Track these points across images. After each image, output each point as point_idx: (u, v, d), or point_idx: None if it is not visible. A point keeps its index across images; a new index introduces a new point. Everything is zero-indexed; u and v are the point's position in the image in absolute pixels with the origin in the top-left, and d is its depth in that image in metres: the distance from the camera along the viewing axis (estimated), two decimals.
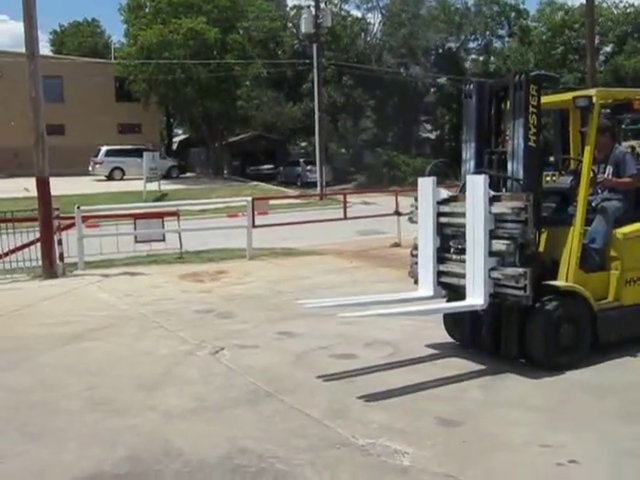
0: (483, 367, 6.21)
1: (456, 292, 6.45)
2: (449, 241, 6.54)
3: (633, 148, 18.14)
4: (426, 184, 6.58)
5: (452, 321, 6.92)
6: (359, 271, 11.52)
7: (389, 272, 10.87)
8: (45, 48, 61.20)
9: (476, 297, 6.07)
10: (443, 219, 6.51)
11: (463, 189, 6.42)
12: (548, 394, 5.58)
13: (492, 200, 6.01)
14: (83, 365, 6.69)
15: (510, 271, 5.90)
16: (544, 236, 6.49)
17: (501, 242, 5.95)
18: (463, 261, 6.24)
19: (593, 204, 6.78)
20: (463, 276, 6.23)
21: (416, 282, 6.79)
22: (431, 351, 6.77)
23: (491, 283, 6.03)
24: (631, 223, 6.72)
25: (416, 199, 6.75)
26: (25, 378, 6.34)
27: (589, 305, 6.29)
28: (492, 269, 6.01)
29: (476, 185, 6.06)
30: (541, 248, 6.40)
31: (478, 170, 6.43)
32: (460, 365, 6.31)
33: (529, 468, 4.28)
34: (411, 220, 7.02)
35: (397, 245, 13.87)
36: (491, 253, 6.00)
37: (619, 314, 6.50)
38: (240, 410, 5.37)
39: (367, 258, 12.88)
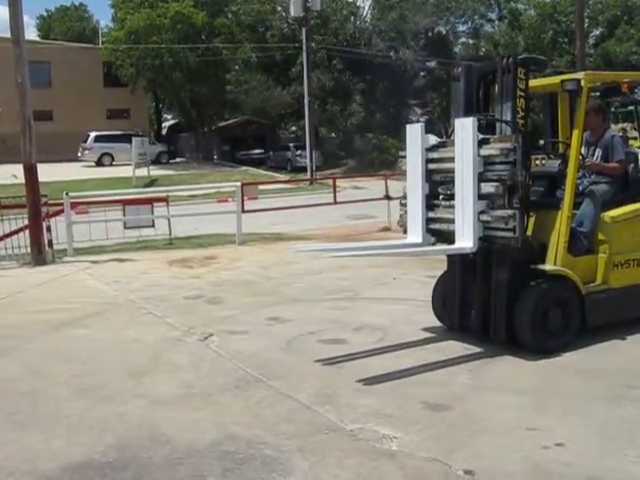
0: (472, 351, 6.23)
1: (445, 238, 6.40)
2: (438, 187, 6.48)
3: (625, 130, 18.17)
4: (414, 130, 6.53)
5: (441, 305, 6.93)
6: None
7: (378, 257, 10.85)
8: (32, 33, 60.84)
9: (465, 240, 6.03)
10: (432, 165, 6.46)
11: (452, 135, 6.37)
12: (536, 378, 5.60)
13: (481, 143, 5.98)
14: (72, 352, 6.67)
15: (499, 213, 5.86)
16: (532, 220, 6.49)
17: (490, 184, 5.91)
18: (452, 207, 6.18)
19: (581, 188, 6.79)
20: (452, 222, 6.18)
21: (405, 232, 6.73)
22: (420, 336, 6.78)
23: (480, 226, 6.00)
24: (619, 206, 6.73)
25: (405, 149, 6.70)
26: (13, 366, 6.32)
27: (577, 288, 6.31)
28: (481, 212, 5.97)
29: (465, 128, 6.01)
30: (529, 232, 6.41)
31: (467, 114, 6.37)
32: (449, 349, 6.32)
33: (516, 451, 4.29)
34: (400, 168, 6.97)
35: (387, 229, 13.87)
36: (480, 196, 5.96)
37: (607, 297, 6.52)
38: (229, 396, 5.37)
39: (357, 242, 12.84)
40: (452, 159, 6.15)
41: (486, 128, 6.34)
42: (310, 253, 7.17)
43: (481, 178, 5.97)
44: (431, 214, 6.47)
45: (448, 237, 6.32)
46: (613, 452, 4.26)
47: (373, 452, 4.35)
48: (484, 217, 5.97)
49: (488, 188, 5.93)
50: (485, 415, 4.87)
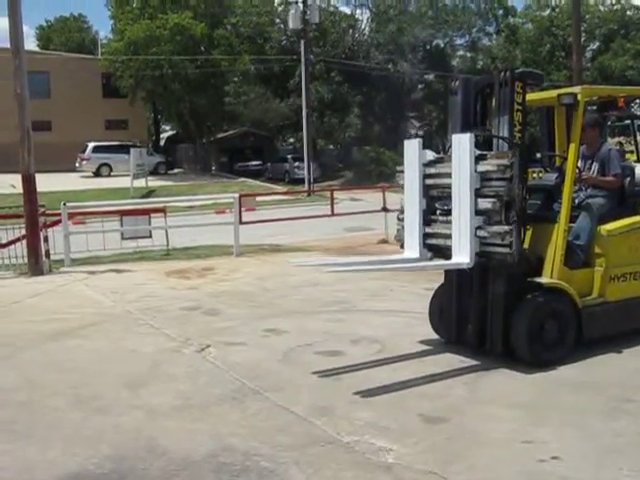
0: (468, 364, 6.23)
1: (443, 254, 6.42)
2: (435, 203, 6.51)
3: (621, 144, 18.22)
4: (412, 146, 6.56)
5: (438, 318, 6.94)
6: None
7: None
8: (32, 43, 60.89)
9: (462, 256, 6.04)
10: (429, 181, 6.48)
11: (449, 150, 6.40)
12: (532, 391, 5.60)
13: (478, 159, 6.00)
14: (69, 363, 6.66)
15: (496, 229, 5.88)
16: (529, 233, 6.52)
17: (487, 200, 5.93)
18: (449, 222, 6.20)
19: (577, 201, 6.81)
20: (449, 237, 6.19)
21: (402, 246, 6.75)
22: (417, 348, 6.78)
23: (477, 242, 6.01)
24: (615, 220, 6.76)
25: (402, 163, 6.73)
26: (9, 375, 6.31)
27: (573, 301, 6.32)
28: (478, 228, 5.99)
29: (462, 144, 6.04)
30: (526, 245, 6.43)
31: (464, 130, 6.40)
32: (446, 362, 6.33)
33: (511, 464, 4.30)
34: (398, 183, 6.99)
35: (385, 242, 13.88)
36: (477, 212, 5.98)
37: (603, 310, 6.53)
38: (225, 408, 5.37)
39: (354, 255, 12.86)
40: (449, 175, 6.17)
41: (483, 144, 6.38)
42: (309, 266, 7.12)
43: (478, 194, 5.99)
44: (428, 229, 6.50)
45: (445, 252, 6.34)
46: (608, 465, 4.26)
47: (369, 465, 4.35)
48: (481, 233, 5.99)
49: (485, 204, 5.95)
50: (481, 428, 4.88)
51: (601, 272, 6.62)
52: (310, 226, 16.41)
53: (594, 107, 8.76)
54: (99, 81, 45.46)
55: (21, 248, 11.85)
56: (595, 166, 7.00)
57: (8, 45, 11.90)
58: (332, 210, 16.97)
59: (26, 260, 11.70)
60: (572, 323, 6.29)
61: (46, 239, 12.04)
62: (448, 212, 6.26)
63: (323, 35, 42.13)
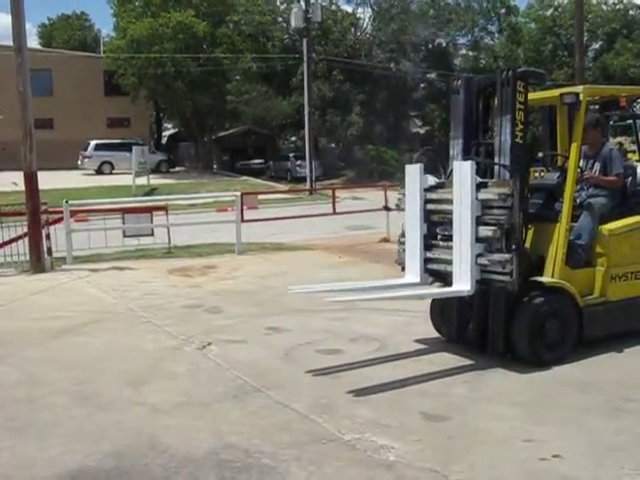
0: (469, 362, 6.24)
1: (443, 279, 6.45)
2: (436, 228, 6.54)
3: (621, 144, 18.22)
4: (413, 171, 6.59)
5: (439, 317, 6.95)
6: (348, 266, 11.53)
7: (378, 267, 10.87)
8: (34, 41, 60.80)
9: (463, 283, 6.08)
10: (430, 206, 6.51)
11: (450, 176, 6.43)
12: (533, 389, 5.61)
13: (479, 186, 6.02)
14: (70, 360, 6.68)
15: (497, 257, 5.91)
16: (531, 232, 6.53)
17: (488, 228, 5.96)
18: (450, 248, 6.23)
19: (579, 200, 6.82)
20: (450, 263, 6.23)
21: (403, 269, 6.78)
22: (418, 346, 6.79)
23: (478, 269, 6.04)
24: (617, 219, 6.76)
25: (404, 186, 6.76)
26: (11, 373, 6.32)
27: (575, 301, 6.33)
28: (479, 255, 6.02)
29: (463, 171, 6.06)
30: (527, 244, 6.44)
31: (466, 157, 6.43)
32: (446, 360, 6.34)
33: (512, 463, 4.31)
34: (399, 207, 7.02)
35: (386, 240, 13.87)
36: (478, 239, 6.01)
37: (605, 310, 6.53)
38: (227, 405, 5.38)
39: (356, 253, 12.89)
40: (450, 201, 6.20)
41: (485, 153, 6.39)
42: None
43: (479, 221, 6.03)
44: (429, 254, 6.53)
45: (446, 278, 6.37)
46: (609, 464, 4.27)
47: (370, 462, 4.36)
48: (481, 260, 6.03)
49: (486, 232, 5.98)
50: (482, 426, 4.88)
51: (602, 272, 6.62)
52: (312, 225, 16.41)
53: (596, 107, 8.77)
54: (101, 79, 45.47)
55: (23, 245, 11.86)
56: (597, 166, 7.00)
57: (11, 43, 11.91)
58: (334, 209, 16.99)
59: (28, 257, 11.71)
60: (573, 322, 6.29)
61: (48, 236, 12.06)
62: (449, 238, 6.30)
63: (325, 34, 42.09)
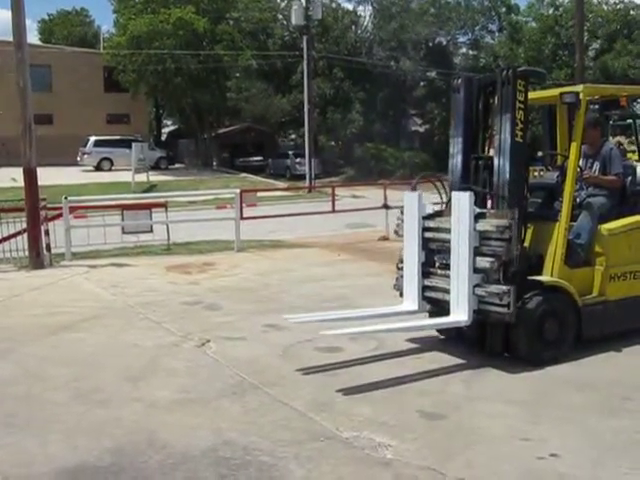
0: (467, 361, 6.25)
1: (441, 307, 6.50)
2: (434, 256, 6.60)
3: (620, 144, 18.24)
4: (412, 199, 6.63)
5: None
6: (346, 264, 11.54)
7: (376, 265, 10.89)
8: (34, 37, 60.73)
9: (460, 313, 6.13)
10: (428, 234, 6.57)
11: (449, 204, 6.46)
12: (531, 388, 5.62)
13: (477, 217, 6.06)
14: (69, 356, 6.68)
15: (494, 288, 5.95)
16: (530, 231, 6.54)
17: (485, 259, 5.99)
18: (448, 276, 6.29)
19: (578, 200, 6.82)
20: (447, 291, 6.29)
21: (401, 295, 6.86)
22: (416, 345, 6.80)
23: (475, 299, 6.09)
24: (616, 219, 6.77)
25: (402, 212, 6.80)
26: (10, 369, 6.32)
27: (573, 300, 6.33)
28: (476, 286, 6.06)
29: (461, 202, 6.10)
30: (527, 243, 6.45)
31: (464, 186, 6.44)
32: (444, 359, 6.34)
33: (510, 461, 4.31)
34: (397, 233, 7.07)
35: (385, 239, 13.88)
36: (475, 270, 6.05)
37: (603, 309, 6.54)
38: (225, 402, 5.39)
39: (355, 251, 12.90)
40: (448, 230, 6.24)
41: (483, 170, 6.41)
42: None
43: (477, 252, 6.05)
44: (427, 282, 6.58)
45: (443, 306, 6.40)
46: (607, 463, 4.28)
47: (368, 460, 4.37)
48: (479, 291, 6.06)
49: (483, 263, 6.01)
50: (480, 425, 4.89)
51: (601, 271, 6.63)
52: (311, 222, 16.41)
53: (596, 106, 8.76)
54: (101, 75, 45.40)
55: (22, 241, 11.85)
56: (596, 165, 7.01)
57: (11, 38, 11.90)
58: (333, 207, 16.97)
59: (27, 253, 11.70)
60: (572, 322, 6.30)
61: (47, 233, 12.05)
62: (447, 266, 6.33)
63: (325, 31, 42.10)
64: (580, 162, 6.82)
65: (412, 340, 6.90)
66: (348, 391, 5.53)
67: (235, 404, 5.35)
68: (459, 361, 6.28)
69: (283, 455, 4.43)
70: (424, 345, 6.77)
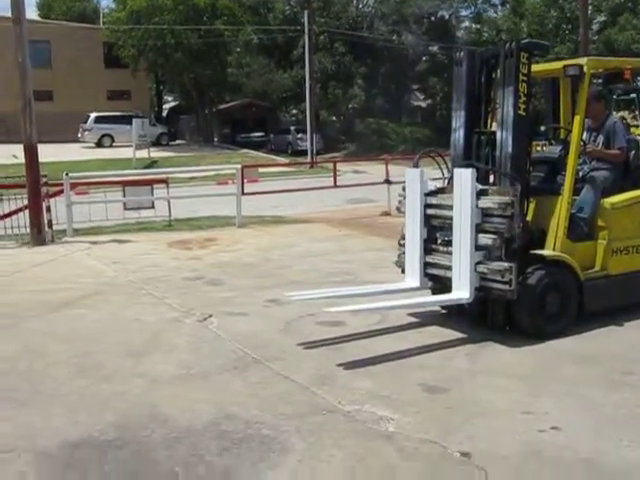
0: (469, 335, 6.25)
1: (442, 284, 6.49)
2: (436, 232, 6.57)
3: (624, 119, 18.14)
4: (414, 175, 6.59)
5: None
6: (348, 239, 11.54)
7: (378, 241, 10.89)
8: (32, 12, 60.17)
9: (462, 290, 6.13)
10: (430, 211, 6.53)
11: (451, 181, 6.42)
12: (533, 362, 5.63)
13: (479, 194, 6.03)
14: (71, 332, 6.69)
15: (496, 265, 5.94)
16: (532, 205, 6.51)
17: (487, 236, 5.98)
18: (450, 253, 6.27)
19: (581, 174, 6.79)
20: (449, 268, 6.28)
21: (403, 272, 6.84)
22: (418, 319, 6.80)
23: (477, 277, 6.08)
24: (619, 193, 6.74)
25: (404, 189, 6.76)
26: (12, 345, 6.34)
27: (576, 274, 6.32)
28: (478, 263, 6.05)
29: (463, 179, 6.07)
30: (529, 217, 6.43)
31: (466, 162, 6.40)
32: (446, 333, 6.35)
33: (511, 434, 4.32)
34: (399, 210, 7.03)
35: (387, 214, 13.86)
36: (477, 247, 6.04)
37: (605, 283, 6.54)
38: (227, 377, 5.40)
39: (356, 226, 12.89)
40: (450, 207, 6.21)
41: (486, 144, 6.38)
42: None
43: (479, 229, 6.03)
44: (429, 258, 6.56)
45: (445, 283, 6.39)
46: (608, 436, 4.29)
47: (370, 433, 4.38)
48: (481, 268, 6.04)
49: (485, 240, 5.98)
50: (481, 398, 4.90)
51: (604, 245, 6.62)
52: (313, 198, 16.39)
53: (600, 80, 8.68)
54: (101, 51, 45.17)
55: (24, 218, 11.85)
56: (600, 139, 6.97)
57: (9, 14, 11.80)
58: (335, 182, 16.95)
59: (28, 230, 11.70)
60: (574, 296, 6.29)
61: (48, 209, 12.04)
62: (449, 243, 6.31)
63: (327, 5, 41.78)
64: (583, 136, 6.78)
65: (414, 315, 6.90)
66: (350, 365, 5.54)
67: (237, 378, 5.36)
68: (461, 335, 6.28)
69: (285, 429, 4.44)
70: (426, 319, 6.78)
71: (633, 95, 20.64)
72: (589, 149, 6.84)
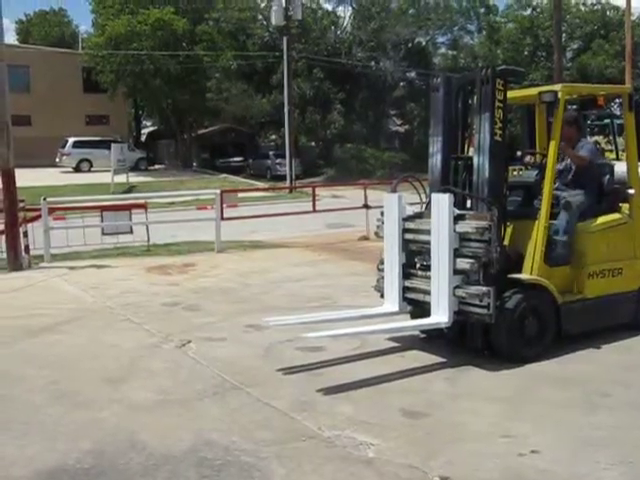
0: (448, 360, 6.27)
1: (421, 308, 6.52)
2: (415, 257, 6.62)
3: (597, 143, 18.42)
4: (392, 200, 6.64)
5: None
6: (327, 264, 11.55)
7: (357, 265, 10.91)
8: (11, 37, 60.25)
9: (440, 315, 6.16)
10: (409, 235, 6.59)
11: (429, 206, 6.47)
12: (511, 385, 5.65)
13: (456, 219, 6.09)
14: (48, 358, 6.62)
15: (474, 290, 5.98)
16: (509, 230, 6.57)
17: (465, 261, 6.02)
18: (428, 277, 6.31)
19: (557, 199, 6.85)
20: (428, 292, 6.31)
21: (382, 296, 6.87)
22: (397, 344, 6.81)
23: (455, 301, 6.11)
24: (595, 217, 6.83)
25: (382, 213, 6.80)
26: None
27: (553, 298, 6.38)
28: (456, 287, 6.09)
29: (441, 204, 6.13)
30: (506, 241, 6.49)
31: (443, 187, 6.46)
32: (426, 357, 6.36)
33: (491, 458, 4.33)
34: (377, 235, 7.08)
35: (365, 238, 13.90)
36: (455, 271, 6.08)
37: (582, 307, 6.59)
38: (206, 403, 5.36)
39: (335, 251, 12.91)
40: (428, 231, 6.26)
41: (464, 169, 6.42)
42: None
43: (456, 254, 6.08)
44: (408, 283, 6.60)
45: (424, 307, 6.43)
46: (586, 459, 4.31)
47: (350, 459, 4.37)
48: (459, 292, 6.09)
49: (463, 264, 6.04)
50: (461, 422, 4.91)
51: (580, 269, 6.67)
52: (292, 223, 16.40)
53: (574, 106, 8.82)
54: (79, 76, 45.02)
55: (0, 243, 11.73)
56: (572, 163, 7.05)
57: None
58: (314, 207, 16.95)
59: (5, 255, 11.59)
60: (551, 319, 6.34)
61: (25, 234, 11.95)
62: (427, 267, 6.36)
63: (305, 32, 42.05)
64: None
65: (394, 339, 6.91)
66: (330, 390, 5.53)
67: (216, 404, 5.33)
68: (440, 360, 6.30)
69: (265, 455, 4.41)
70: (406, 344, 6.78)
71: (607, 120, 21.02)
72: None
